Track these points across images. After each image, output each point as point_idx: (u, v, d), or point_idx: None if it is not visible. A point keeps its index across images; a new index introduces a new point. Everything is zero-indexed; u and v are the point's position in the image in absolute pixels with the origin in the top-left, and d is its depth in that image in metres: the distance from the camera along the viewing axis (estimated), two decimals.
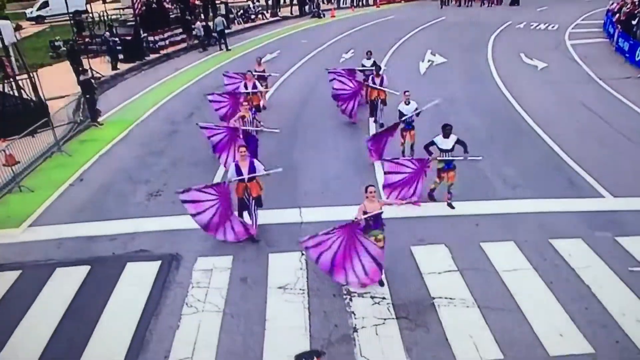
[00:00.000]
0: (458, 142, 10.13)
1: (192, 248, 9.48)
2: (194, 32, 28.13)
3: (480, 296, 7.92)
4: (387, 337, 7.21)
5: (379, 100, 14.79)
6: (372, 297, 8.02)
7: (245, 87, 14.87)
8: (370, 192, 7.83)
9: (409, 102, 12.19)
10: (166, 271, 8.88)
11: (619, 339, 7.04)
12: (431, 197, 10.81)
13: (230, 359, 6.96)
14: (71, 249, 9.75)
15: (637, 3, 25.43)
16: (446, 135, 10.11)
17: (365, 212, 7.80)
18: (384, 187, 10.80)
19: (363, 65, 16.75)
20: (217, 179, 11.97)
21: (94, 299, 8.26)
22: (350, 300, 7.98)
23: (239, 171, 9.26)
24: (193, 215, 9.27)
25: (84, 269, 9.05)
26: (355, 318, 7.61)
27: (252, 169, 9.29)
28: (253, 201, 9.51)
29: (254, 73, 15.63)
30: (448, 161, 10.25)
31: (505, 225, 9.89)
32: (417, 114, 12.13)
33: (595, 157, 12.65)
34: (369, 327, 7.41)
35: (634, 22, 23.83)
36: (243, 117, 12.17)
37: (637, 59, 21.31)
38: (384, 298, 7.98)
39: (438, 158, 10.22)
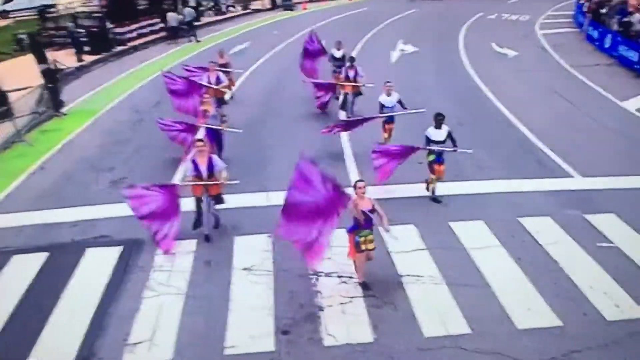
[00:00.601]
0: (450, 136, 9.64)
1: None
2: (171, 24, 27.58)
3: (449, 273, 7.81)
4: (354, 315, 7.05)
5: (353, 95, 14.10)
6: (339, 277, 7.85)
7: (208, 79, 13.81)
8: (359, 188, 7.16)
9: (391, 94, 11.54)
10: (128, 256, 8.57)
11: (586, 311, 7.00)
12: (434, 199, 10.04)
13: (192, 340, 6.71)
14: (29, 236, 9.36)
15: None
16: (438, 126, 9.56)
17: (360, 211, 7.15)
18: (374, 152, 10.27)
19: (333, 56, 15.87)
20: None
21: (52, 285, 7.92)
22: (317, 280, 7.80)
23: (196, 168, 8.51)
24: (133, 209, 8.50)
25: (42, 256, 8.68)
26: (321, 297, 7.43)
27: (210, 166, 8.57)
28: (212, 201, 8.75)
29: (216, 66, 14.63)
30: (439, 153, 9.68)
31: (474, 205, 9.83)
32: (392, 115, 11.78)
33: (565, 140, 12.72)
34: (336, 306, 7.24)
35: (602, 11, 24.22)
36: (205, 111, 11.42)
37: (606, 46, 21.60)
38: (351, 277, 7.79)
39: (429, 148, 9.69)
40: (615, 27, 21.69)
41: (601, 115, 14.45)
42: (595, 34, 23.32)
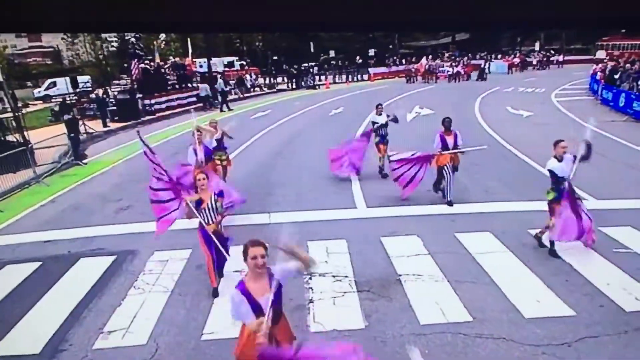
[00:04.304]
0: None
1: (153, 245, 8.95)
2: (201, 94, 29.02)
3: (451, 272, 7.31)
4: (345, 307, 6.56)
5: (451, 167, 10.33)
6: (333, 276, 7.42)
7: (195, 153, 10.46)
8: None
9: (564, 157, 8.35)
10: (120, 263, 8.35)
11: (603, 303, 6.37)
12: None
13: (170, 328, 6.31)
14: (26, 251, 9.27)
15: (619, 60, 26.21)
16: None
17: None
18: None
19: (374, 122, 12.86)
20: None
21: (37, 286, 7.71)
22: (311, 279, 7.38)
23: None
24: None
25: (35, 265, 8.53)
26: (312, 292, 6.99)
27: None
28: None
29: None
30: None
31: (482, 220, 9.40)
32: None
33: (579, 173, 12.27)
34: (327, 299, 6.78)
35: (616, 77, 24.43)
36: (201, 201, 7.09)
37: (620, 105, 21.51)
38: (346, 276, 7.37)
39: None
40: (627, 86, 21.78)
41: (614, 154, 14.08)
42: (609, 95, 23.40)
